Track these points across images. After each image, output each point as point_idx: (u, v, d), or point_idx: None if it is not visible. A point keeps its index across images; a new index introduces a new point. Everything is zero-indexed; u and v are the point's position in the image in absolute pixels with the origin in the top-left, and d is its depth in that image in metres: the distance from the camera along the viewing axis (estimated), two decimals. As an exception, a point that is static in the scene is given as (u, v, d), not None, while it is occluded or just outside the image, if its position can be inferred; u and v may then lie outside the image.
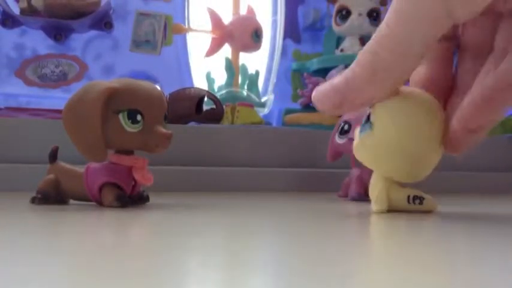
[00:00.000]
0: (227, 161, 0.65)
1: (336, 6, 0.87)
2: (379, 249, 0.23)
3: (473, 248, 0.24)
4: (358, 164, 0.52)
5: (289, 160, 0.68)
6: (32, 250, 0.21)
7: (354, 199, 0.49)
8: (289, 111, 0.88)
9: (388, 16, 0.29)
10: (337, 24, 0.87)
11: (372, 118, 0.34)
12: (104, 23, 0.83)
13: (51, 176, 0.40)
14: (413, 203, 0.37)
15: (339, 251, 0.22)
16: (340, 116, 0.53)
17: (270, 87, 0.96)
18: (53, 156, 0.40)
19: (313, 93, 0.32)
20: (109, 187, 0.38)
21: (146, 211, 0.37)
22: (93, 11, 0.81)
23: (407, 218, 0.35)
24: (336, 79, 0.31)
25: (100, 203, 0.39)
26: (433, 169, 0.35)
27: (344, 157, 0.53)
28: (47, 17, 0.80)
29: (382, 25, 0.29)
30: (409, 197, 0.37)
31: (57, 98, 0.81)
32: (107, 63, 0.91)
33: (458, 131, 0.32)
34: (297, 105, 0.90)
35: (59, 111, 0.63)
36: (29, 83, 0.83)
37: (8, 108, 0.75)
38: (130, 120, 0.37)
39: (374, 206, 0.37)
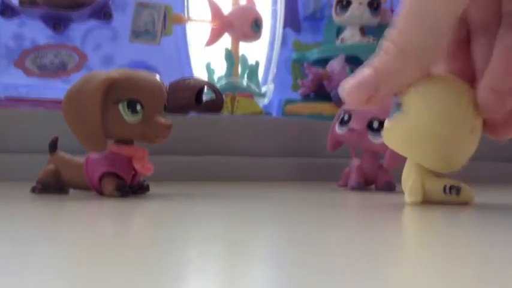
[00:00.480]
0: (227, 151, 0.65)
1: (337, -5, 0.87)
2: (379, 239, 0.23)
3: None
4: (358, 154, 0.52)
5: (289, 150, 0.68)
6: (32, 240, 0.21)
7: (354, 188, 0.49)
8: (289, 102, 0.88)
9: None
10: (338, 14, 0.87)
11: (402, 103, 0.32)
12: (103, 13, 0.82)
13: (51, 166, 0.40)
14: (449, 194, 0.35)
15: (338, 241, 0.22)
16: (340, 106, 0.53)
17: (270, 77, 0.96)
18: (53, 147, 0.40)
19: (342, 89, 0.31)
20: (109, 177, 0.38)
21: (146, 201, 0.37)
22: (92, 2, 0.81)
23: (412, 206, 0.35)
24: (363, 72, 0.30)
25: (100, 193, 0.39)
26: (468, 158, 0.33)
27: (344, 147, 0.53)
28: (46, 7, 0.80)
29: (404, 5, 0.28)
30: (445, 187, 0.35)
31: (57, 89, 0.80)
32: (106, 53, 0.91)
33: (489, 96, 0.30)
34: (297, 95, 0.90)
35: (58, 102, 0.63)
36: (28, 73, 0.83)
37: (7, 99, 0.75)
38: (130, 110, 0.37)
39: (408, 197, 0.35)
